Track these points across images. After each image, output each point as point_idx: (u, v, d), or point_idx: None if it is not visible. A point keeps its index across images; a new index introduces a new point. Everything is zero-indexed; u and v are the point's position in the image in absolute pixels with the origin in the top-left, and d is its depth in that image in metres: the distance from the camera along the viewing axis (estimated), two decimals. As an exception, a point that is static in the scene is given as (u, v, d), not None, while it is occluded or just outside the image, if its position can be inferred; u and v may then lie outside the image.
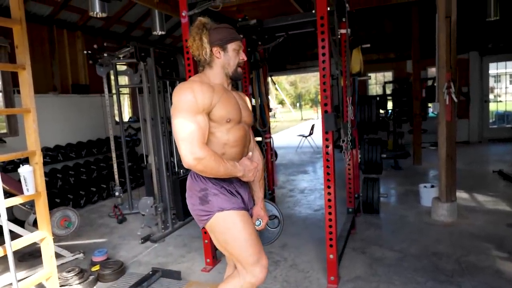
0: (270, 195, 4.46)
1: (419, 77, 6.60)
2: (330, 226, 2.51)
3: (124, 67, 5.80)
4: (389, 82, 8.65)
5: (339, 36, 3.51)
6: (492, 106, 9.35)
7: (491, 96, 9.37)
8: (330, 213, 2.50)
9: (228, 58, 1.65)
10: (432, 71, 8.62)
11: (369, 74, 4.68)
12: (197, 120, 1.50)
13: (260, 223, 1.88)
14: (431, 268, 2.77)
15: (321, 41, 2.37)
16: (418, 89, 6.54)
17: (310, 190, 5.46)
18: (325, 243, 2.54)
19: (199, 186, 1.63)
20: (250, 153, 1.71)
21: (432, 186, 4.31)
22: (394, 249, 3.14)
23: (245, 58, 1.72)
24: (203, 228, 1.70)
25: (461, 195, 4.45)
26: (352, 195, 3.73)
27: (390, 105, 7.41)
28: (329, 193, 2.48)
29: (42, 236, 2.42)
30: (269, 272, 2.83)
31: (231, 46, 1.64)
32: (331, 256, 2.53)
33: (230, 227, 1.60)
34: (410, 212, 4.09)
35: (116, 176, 4.87)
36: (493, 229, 3.45)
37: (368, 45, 3.97)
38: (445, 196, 3.72)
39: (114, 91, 5.31)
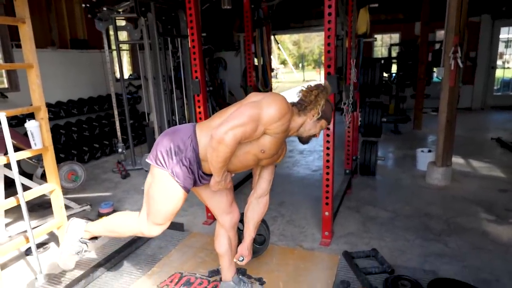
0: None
1: (427, 40, 6.44)
2: (327, 186, 2.61)
3: (123, 22, 5.66)
4: (396, 44, 8.45)
5: (346, -5, 3.41)
6: (499, 73, 9.19)
7: (499, 62, 9.18)
8: (327, 173, 2.59)
9: (313, 126, 1.76)
10: (440, 34, 8.37)
11: (375, 36, 4.58)
12: (258, 127, 1.58)
13: (243, 260, 1.99)
14: (421, 227, 2.91)
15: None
16: (425, 53, 6.41)
17: (309, 151, 5.56)
18: (321, 202, 2.66)
19: (182, 142, 1.67)
20: (233, 174, 1.78)
21: (430, 151, 4.39)
22: (387, 209, 3.28)
23: (318, 136, 1.85)
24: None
25: (457, 160, 4.55)
26: (350, 157, 3.82)
27: (394, 68, 7.30)
28: (327, 154, 2.55)
29: (52, 188, 2.53)
30: (267, 227, 3.00)
31: (323, 123, 1.77)
32: (326, 213, 2.66)
33: (168, 192, 1.70)
34: (405, 175, 4.21)
35: (119, 133, 4.94)
36: (485, 193, 3.57)
37: (376, 5, 3.86)
38: (441, 161, 3.81)
39: (113, 47, 5.22)
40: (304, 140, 1.82)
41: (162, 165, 1.67)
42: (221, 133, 1.51)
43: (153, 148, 1.73)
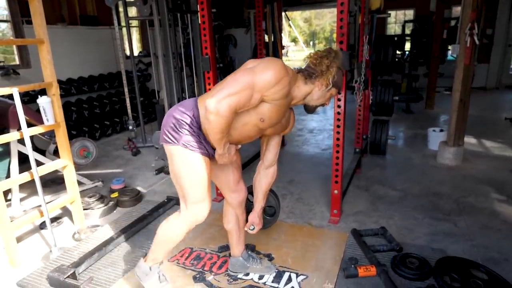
0: (279, 134, 4.54)
1: (442, 16, 6.22)
2: (337, 164, 2.60)
3: (133, -2, 5.57)
4: (410, 21, 8.19)
5: (360, -32, 3.29)
6: (516, 51, 8.89)
7: (516, 40, 8.86)
8: (337, 152, 2.58)
9: (322, 95, 1.67)
10: (457, 10, 8.07)
11: (389, 12, 4.44)
12: (253, 95, 1.49)
13: (254, 229, 1.99)
14: (430, 207, 2.91)
15: (341, -27, 2.23)
16: (440, 30, 6.20)
17: (319, 130, 5.53)
18: (331, 180, 2.66)
19: (185, 116, 1.61)
20: (239, 146, 1.72)
21: (441, 131, 4.32)
22: (397, 188, 3.27)
23: (328, 104, 1.75)
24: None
25: (469, 140, 4.48)
26: (360, 136, 3.79)
27: (408, 46, 7.10)
28: (338, 132, 2.53)
29: (64, 163, 2.58)
30: (276, 204, 3.03)
31: (333, 91, 1.68)
32: (335, 191, 2.66)
33: (188, 165, 1.62)
34: (416, 155, 4.17)
35: (129, 111, 4.97)
36: (496, 174, 3.53)
37: (391, -21, 3.71)
38: (453, 140, 3.76)
39: (123, 23, 5.18)
40: (310, 110, 1.74)
41: (173, 141, 1.62)
42: (214, 103, 1.43)
43: (161, 130, 1.69)
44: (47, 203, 2.44)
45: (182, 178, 1.65)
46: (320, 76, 1.61)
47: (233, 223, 2.02)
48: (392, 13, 9.06)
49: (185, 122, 1.61)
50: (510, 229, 2.54)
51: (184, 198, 1.70)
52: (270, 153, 1.89)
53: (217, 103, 1.43)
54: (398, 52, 6.69)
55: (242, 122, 1.62)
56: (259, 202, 1.98)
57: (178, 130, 1.61)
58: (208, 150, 1.67)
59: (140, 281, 1.87)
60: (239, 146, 1.74)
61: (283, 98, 1.56)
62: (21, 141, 2.56)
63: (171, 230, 1.76)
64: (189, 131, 1.61)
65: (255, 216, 1.98)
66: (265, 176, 1.94)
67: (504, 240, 2.41)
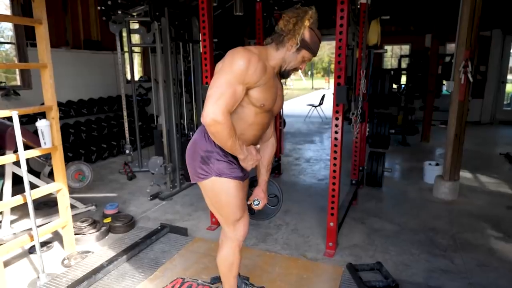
0: (276, 163, 4.55)
1: (437, 52, 6.42)
2: (333, 196, 2.59)
3: (137, 25, 5.73)
4: (405, 56, 8.42)
5: (358, 6, 3.42)
6: (509, 88, 9.13)
7: (509, 77, 9.12)
8: (334, 183, 2.58)
9: (293, 58, 1.63)
10: (451, 47, 8.35)
11: (385, 47, 4.58)
12: (235, 89, 1.49)
13: (259, 203, 1.96)
14: (427, 242, 2.88)
15: (340, 11, 2.32)
16: (434, 65, 6.39)
17: (315, 159, 5.54)
18: (327, 211, 2.64)
19: (206, 146, 1.66)
20: (258, 146, 1.73)
21: (437, 164, 4.35)
22: (393, 222, 3.25)
23: (303, 69, 1.73)
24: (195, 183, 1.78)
25: (465, 174, 4.50)
26: (356, 168, 3.80)
27: (403, 79, 7.27)
28: (334, 164, 2.54)
29: (59, 187, 2.55)
30: (271, 235, 2.99)
31: (304, 53, 1.63)
32: (331, 223, 2.64)
33: (224, 192, 1.68)
34: (412, 188, 4.17)
35: (127, 134, 4.97)
36: (492, 210, 3.52)
37: (388, 17, 3.86)
38: (449, 175, 3.77)
39: (126, 49, 5.30)
40: (284, 75, 1.69)
41: (206, 175, 1.67)
42: (207, 115, 1.44)
43: (189, 171, 1.74)
44: (38, 226, 2.39)
45: (222, 206, 1.73)
46: (288, 36, 1.57)
47: None
48: (389, 47, 9.35)
49: (209, 153, 1.65)
50: (507, 268, 2.50)
51: (227, 222, 1.77)
52: (269, 127, 1.87)
53: (210, 114, 1.44)
54: (394, 85, 6.85)
55: (248, 123, 1.64)
56: (263, 178, 1.95)
57: (207, 162, 1.65)
58: (241, 167, 1.70)
59: None
60: (258, 146, 1.74)
61: (262, 75, 1.54)
62: (16, 163, 2.54)
63: (226, 257, 1.83)
64: (216, 158, 1.65)
65: (260, 190, 1.95)
66: (265, 148, 1.92)
67: (501, 279, 2.37)
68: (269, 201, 2.35)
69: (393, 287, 2.19)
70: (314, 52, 1.65)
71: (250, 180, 2.02)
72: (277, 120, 4.27)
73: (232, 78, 1.48)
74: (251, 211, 2.02)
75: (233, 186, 1.69)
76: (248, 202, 1.96)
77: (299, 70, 1.74)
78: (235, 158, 1.66)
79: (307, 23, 1.57)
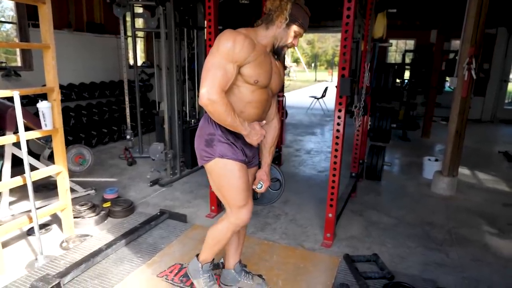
0: (276, 153, 4.56)
1: (442, 48, 6.38)
2: (333, 187, 2.61)
3: (141, 10, 5.67)
4: (410, 51, 8.36)
5: (365, -2, 3.38)
6: (511, 87, 9.09)
7: (512, 76, 9.08)
8: (334, 175, 2.59)
9: (284, 34, 1.66)
10: (456, 43, 8.29)
11: (390, 41, 4.54)
12: (226, 68, 1.55)
13: (262, 186, 1.98)
14: (423, 236, 2.90)
15: (347, 1, 2.30)
16: (439, 61, 6.36)
17: (316, 151, 5.55)
18: (326, 203, 2.66)
19: (209, 129, 1.72)
20: (263, 121, 1.76)
21: (437, 160, 4.36)
22: (391, 215, 3.27)
23: (296, 45, 1.74)
24: (202, 167, 1.82)
25: (463, 171, 4.52)
26: (357, 161, 3.81)
27: (407, 74, 7.24)
28: (335, 156, 2.54)
29: (59, 170, 2.56)
30: (270, 224, 3.02)
31: (294, 28, 1.66)
32: (330, 215, 2.66)
33: (227, 173, 1.72)
34: (411, 183, 4.19)
35: (128, 120, 4.97)
36: (489, 206, 3.55)
37: (394, 10, 3.82)
38: (447, 171, 3.79)
39: (129, 33, 5.25)
40: (278, 51, 1.72)
41: (210, 156, 1.72)
42: (203, 96, 1.52)
43: (197, 154, 1.80)
44: (37, 208, 2.40)
45: (224, 187, 1.75)
46: (277, 13, 1.62)
47: (234, 235, 2.00)
48: (394, 42, 9.28)
49: (211, 133, 1.71)
50: (500, 263, 2.53)
51: (229, 205, 1.79)
52: (271, 108, 1.90)
53: (205, 94, 1.52)
54: (397, 80, 6.82)
55: (245, 102, 1.67)
56: (265, 160, 1.97)
57: (211, 144, 1.71)
58: (243, 151, 1.76)
59: (191, 277, 2.00)
60: (264, 122, 1.77)
61: (251, 51, 1.58)
62: (16, 144, 2.54)
63: (218, 233, 1.86)
64: (219, 140, 1.70)
65: (263, 173, 1.98)
66: (268, 130, 1.93)
67: (494, 274, 2.40)
68: (272, 185, 2.35)
69: (388, 278, 2.21)
70: (304, 26, 1.68)
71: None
72: (279, 111, 4.26)
73: (221, 59, 1.55)
74: (254, 197, 2.04)
75: (237, 169, 1.72)
76: (253, 187, 1.97)
77: (294, 47, 1.77)
78: (237, 140, 1.72)
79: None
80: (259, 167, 1.99)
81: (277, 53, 1.73)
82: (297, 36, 1.70)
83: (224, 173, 1.73)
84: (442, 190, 3.82)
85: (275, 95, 1.88)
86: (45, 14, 2.33)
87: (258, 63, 1.62)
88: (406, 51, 8.33)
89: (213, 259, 2.01)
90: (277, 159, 4.64)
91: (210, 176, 1.80)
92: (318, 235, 2.85)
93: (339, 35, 2.39)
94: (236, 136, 1.73)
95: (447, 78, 6.92)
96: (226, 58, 1.55)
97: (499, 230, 3.05)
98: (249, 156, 1.84)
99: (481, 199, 3.75)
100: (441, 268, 2.44)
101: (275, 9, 1.62)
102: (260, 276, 2.18)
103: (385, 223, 3.11)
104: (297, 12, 1.64)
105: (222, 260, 2.28)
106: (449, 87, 6.82)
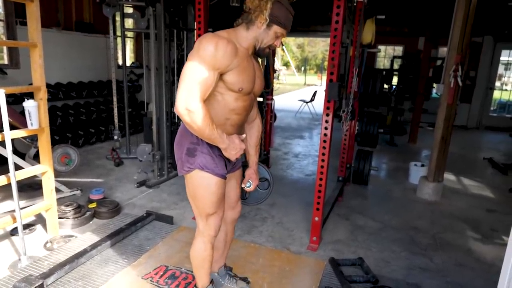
0: (265, 156, 4.57)
1: (429, 55, 6.50)
2: (320, 191, 2.62)
3: (131, 10, 5.63)
4: (398, 57, 8.49)
5: (355, 4, 3.43)
6: (496, 94, 9.31)
7: (497, 84, 9.30)
8: (321, 179, 2.61)
9: (265, 35, 1.58)
10: (443, 50, 8.46)
11: (379, 47, 4.60)
12: (206, 75, 1.45)
13: (250, 185, 1.97)
14: (408, 240, 2.94)
15: (336, 7, 2.33)
16: (426, 68, 6.47)
17: (304, 155, 5.58)
18: (312, 206, 2.67)
19: (192, 138, 1.63)
20: (243, 135, 1.68)
21: (423, 165, 4.43)
22: (376, 219, 3.31)
23: (278, 46, 1.65)
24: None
25: (449, 177, 4.60)
26: (344, 165, 3.84)
27: (395, 80, 7.35)
28: (322, 160, 2.57)
29: (44, 170, 2.52)
30: (256, 227, 3.02)
31: (276, 28, 1.56)
32: (316, 218, 2.67)
33: (204, 186, 1.66)
34: (397, 187, 4.24)
35: (116, 120, 4.92)
36: (473, 212, 3.62)
37: (383, 17, 3.88)
38: (433, 176, 3.85)
39: (119, 33, 5.21)
40: (260, 53, 1.65)
41: (190, 167, 1.65)
42: (179, 105, 1.41)
43: (177, 164, 1.72)
44: (22, 208, 2.36)
45: (197, 198, 1.70)
46: (256, 13, 1.52)
47: (221, 239, 2.00)
48: (382, 48, 9.42)
49: (194, 142, 1.63)
50: (483, 268, 2.58)
51: (200, 215, 1.74)
52: (252, 109, 1.86)
53: (183, 102, 1.41)
54: (385, 85, 6.91)
55: (230, 107, 1.60)
56: (253, 160, 1.96)
57: (193, 154, 1.63)
58: (225, 164, 1.70)
59: None
60: (244, 136, 1.69)
61: (233, 57, 1.49)
62: (1, 143, 2.49)
63: (199, 252, 1.80)
64: (201, 151, 1.63)
65: (252, 172, 1.95)
66: (251, 129, 1.92)
67: (477, 278, 2.45)
68: (260, 184, 2.34)
69: (372, 282, 2.24)
70: (286, 26, 1.58)
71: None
72: (268, 114, 4.28)
73: (201, 65, 1.44)
74: (242, 196, 2.03)
75: (213, 183, 1.66)
76: (242, 185, 1.96)
77: (276, 48, 1.68)
78: (221, 154, 1.64)
79: None
80: (246, 167, 1.97)
81: (259, 54, 1.66)
82: (279, 37, 1.60)
83: (200, 185, 1.66)
84: (428, 195, 3.88)
85: (257, 96, 1.83)
86: (33, 12, 2.30)
87: (241, 69, 1.54)
88: (394, 57, 8.45)
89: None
90: (265, 162, 4.65)
91: (187, 184, 1.73)
92: (304, 238, 2.87)
93: (328, 40, 2.41)
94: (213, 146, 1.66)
95: (434, 85, 7.03)
96: (207, 64, 1.44)
97: (482, 235, 3.11)
98: (231, 164, 1.79)
99: (465, 204, 3.82)
100: (425, 273, 2.48)
101: (255, 9, 1.52)
102: (245, 279, 2.18)
103: (371, 227, 3.14)
104: (279, 12, 1.53)
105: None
106: (436, 93, 6.95)
